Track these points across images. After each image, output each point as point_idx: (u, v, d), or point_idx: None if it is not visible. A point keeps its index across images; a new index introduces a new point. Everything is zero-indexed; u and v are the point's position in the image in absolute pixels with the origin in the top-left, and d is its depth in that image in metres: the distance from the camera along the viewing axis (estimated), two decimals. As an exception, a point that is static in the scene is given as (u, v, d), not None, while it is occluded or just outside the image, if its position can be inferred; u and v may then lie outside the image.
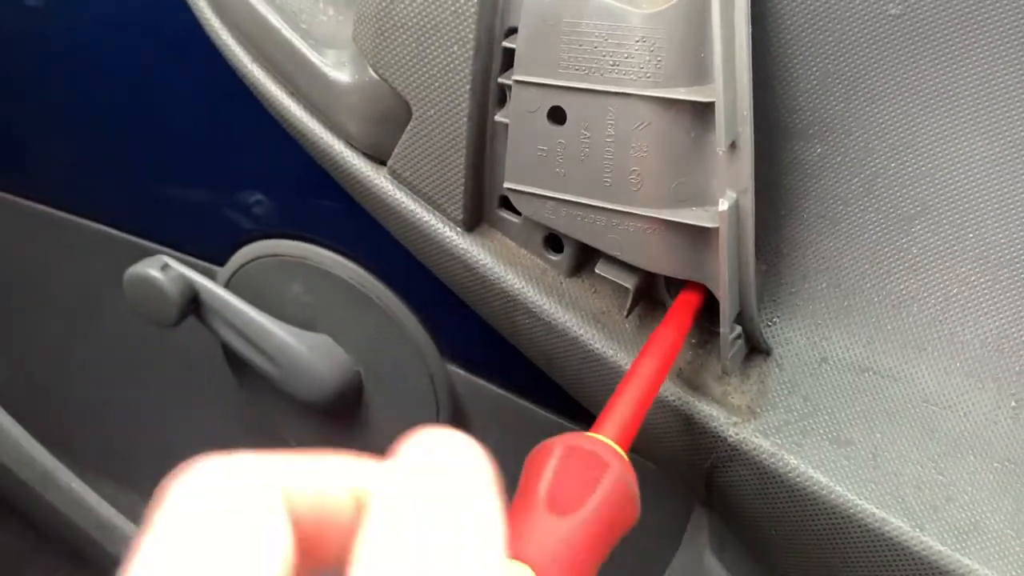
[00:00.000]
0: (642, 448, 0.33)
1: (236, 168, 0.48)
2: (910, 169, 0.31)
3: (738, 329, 0.31)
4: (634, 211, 0.29)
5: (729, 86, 0.27)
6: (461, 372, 0.47)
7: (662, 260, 0.30)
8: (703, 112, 0.28)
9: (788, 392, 0.32)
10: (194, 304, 0.48)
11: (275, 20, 0.36)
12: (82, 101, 0.51)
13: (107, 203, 0.56)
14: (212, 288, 0.48)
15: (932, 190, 0.31)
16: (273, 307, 0.49)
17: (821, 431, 0.31)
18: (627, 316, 0.32)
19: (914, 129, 0.31)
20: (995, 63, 0.28)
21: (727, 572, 0.37)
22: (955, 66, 0.29)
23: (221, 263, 0.51)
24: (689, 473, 0.34)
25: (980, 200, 0.30)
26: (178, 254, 0.52)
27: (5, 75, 0.53)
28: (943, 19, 0.28)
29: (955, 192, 0.30)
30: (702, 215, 0.28)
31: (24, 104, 0.54)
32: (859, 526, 0.30)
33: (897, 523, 0.29)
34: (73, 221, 0.57)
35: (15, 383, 0.69)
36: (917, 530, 0.29)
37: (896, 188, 0.32)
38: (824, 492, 0.30)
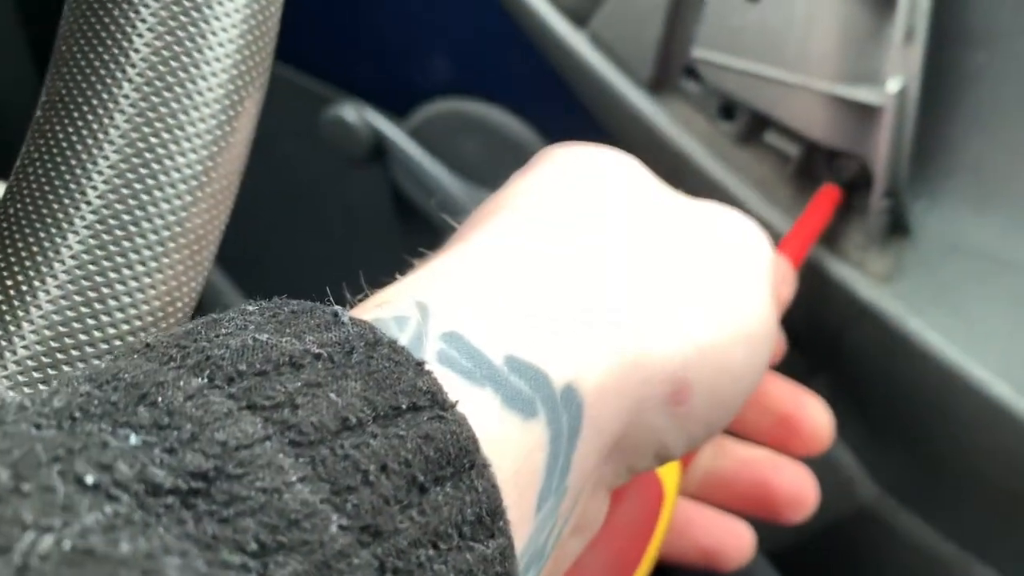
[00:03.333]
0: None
1: (429, 26, 0.53)
2: (1064, 83, 0.35)
3: (885, 203, 0.35)
4: (811, 85, 0.33)
5: (915, -20, 0.31)
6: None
7: (830, 131, 0.34)
8: (886, 1, 0.31)
9: (919, 268, 0.36)
10: (379, 148, 0.54)
11: None
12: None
13: (300, 48, 0.61)
14: (398, 135, 0.54)
15: (1082, 106, 0.35)
16: (446, 161, 0.55)
17: (945, 304, 0.35)
18: (787, 184, 0.37)
19: (1074, 47, 0.34)
20: None
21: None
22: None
23: (402, 116, 0.56)
24: (815, 335, 0.38)
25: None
26: (364, 102, 0.58)
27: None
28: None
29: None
30: (872, 95, 0.32)
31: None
32: (967, 387, 0.34)
33: (1002, 388, 0.33)
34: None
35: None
36: (1019, 394, 0.33)
37: (1049, 100, 0.35)
38: (942, 352, 0.34)
